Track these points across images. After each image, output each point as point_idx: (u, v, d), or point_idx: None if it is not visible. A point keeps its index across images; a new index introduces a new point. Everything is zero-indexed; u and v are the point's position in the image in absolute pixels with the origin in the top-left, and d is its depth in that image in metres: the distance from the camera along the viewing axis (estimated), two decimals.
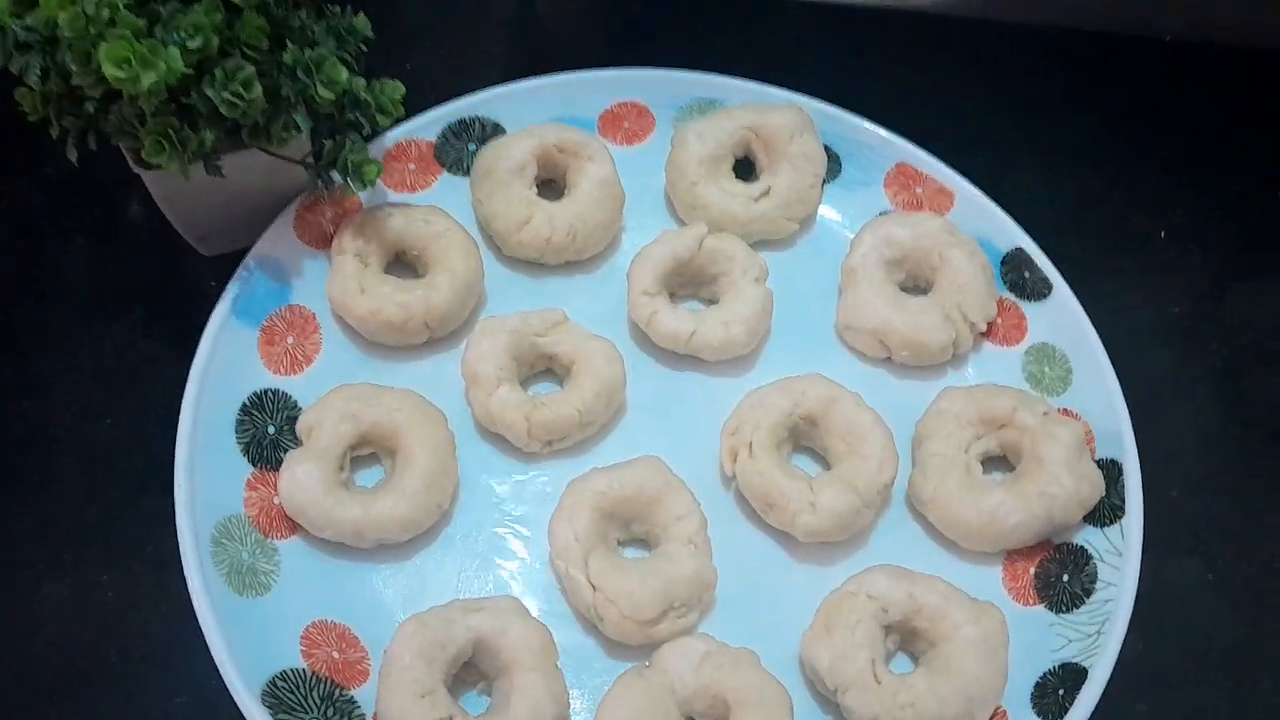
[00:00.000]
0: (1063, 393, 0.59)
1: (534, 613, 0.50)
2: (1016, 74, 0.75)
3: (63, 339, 0.60)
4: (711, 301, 0.62)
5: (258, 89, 0.50)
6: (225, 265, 0.61)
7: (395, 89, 0.56)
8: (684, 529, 0.52)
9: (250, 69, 0.50)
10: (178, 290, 0.63)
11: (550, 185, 0.65)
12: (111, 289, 0.62)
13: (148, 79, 0.46)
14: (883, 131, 0.67)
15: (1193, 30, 0.65)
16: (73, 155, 0.53)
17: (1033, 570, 0.54)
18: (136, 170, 0.55)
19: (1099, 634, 0.50)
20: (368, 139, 0.59)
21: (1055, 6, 0.65)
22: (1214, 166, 0.73)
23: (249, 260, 0.58)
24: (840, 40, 0.72)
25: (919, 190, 0.66)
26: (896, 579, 0.51)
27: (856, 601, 0.50)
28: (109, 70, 0.45)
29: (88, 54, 0.46)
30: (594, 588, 0.50)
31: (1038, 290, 0.62)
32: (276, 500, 0.53)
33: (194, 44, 0.48)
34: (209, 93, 0.49)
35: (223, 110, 0.50)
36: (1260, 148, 0.74)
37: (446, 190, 0.64)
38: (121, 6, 0.46)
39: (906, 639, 0.51)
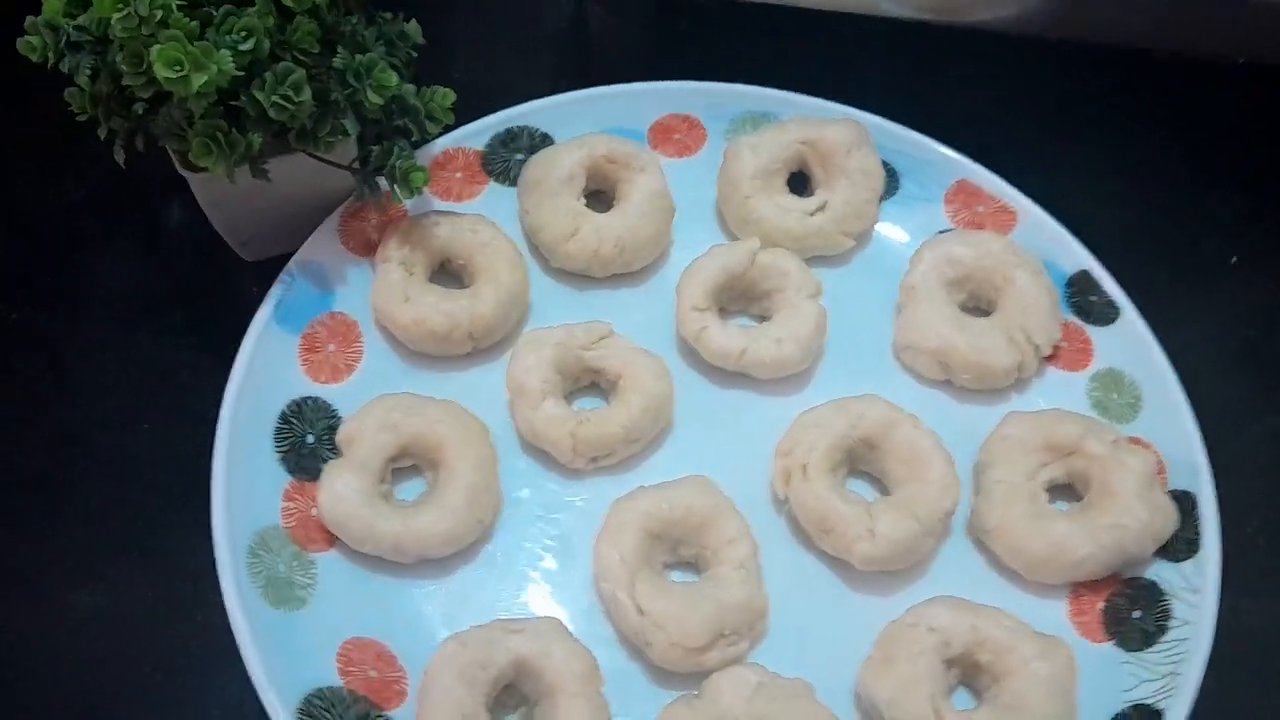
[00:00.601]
0: (1131, 420, 0.56)
1: (577, 635, 0.48)
2: (1079, 93, 0.73)
3: (100, 344, 0.60)
4: (763, 318, 0.60)
5: (307, 92, 0.49)
6: (267, 271, 0.60)
7: (446, 96, 0.55)
8: (735, 553, 0.50)
9: (300, 72, 0.49)
10: (218, 295, 0.62)
11: (599, 196, 0.63)
12: (151, 293, 0.62)
13: (198, 81, 0.45)
14: (943, 148, 0.65)
15: (1267, 52, 0.62)
16: (120, 157, 0.52)
17: (1100, 605, 0.51)
18: (183, 173, 0.54)
19: (1174, 674, 0.48)
20: (415, 146, 0.58)
21: (1118, 27, 0.63)
22: None
23: (292, 266, 0.57)
24: (893, 55, 0.71)
25: (980, 209, 0.64)
26: (959, 611, 0.48)
27: (918, 633, 0.48)
28: (161, 71, 0.44)
29: (139, 55, 0.46)
30: (641, 612, 0.48)
31: (1104, 314, 0.59)
32: (314, 512, 0.51)
33: (246, 47, 0.47)
34: (258, 96, 0.48)
35: (271, 114, 0.49)
36: None
37: (494, 200, 0.63)
38: (174, 8, 0.45)
39: (968, 673, 0.49)
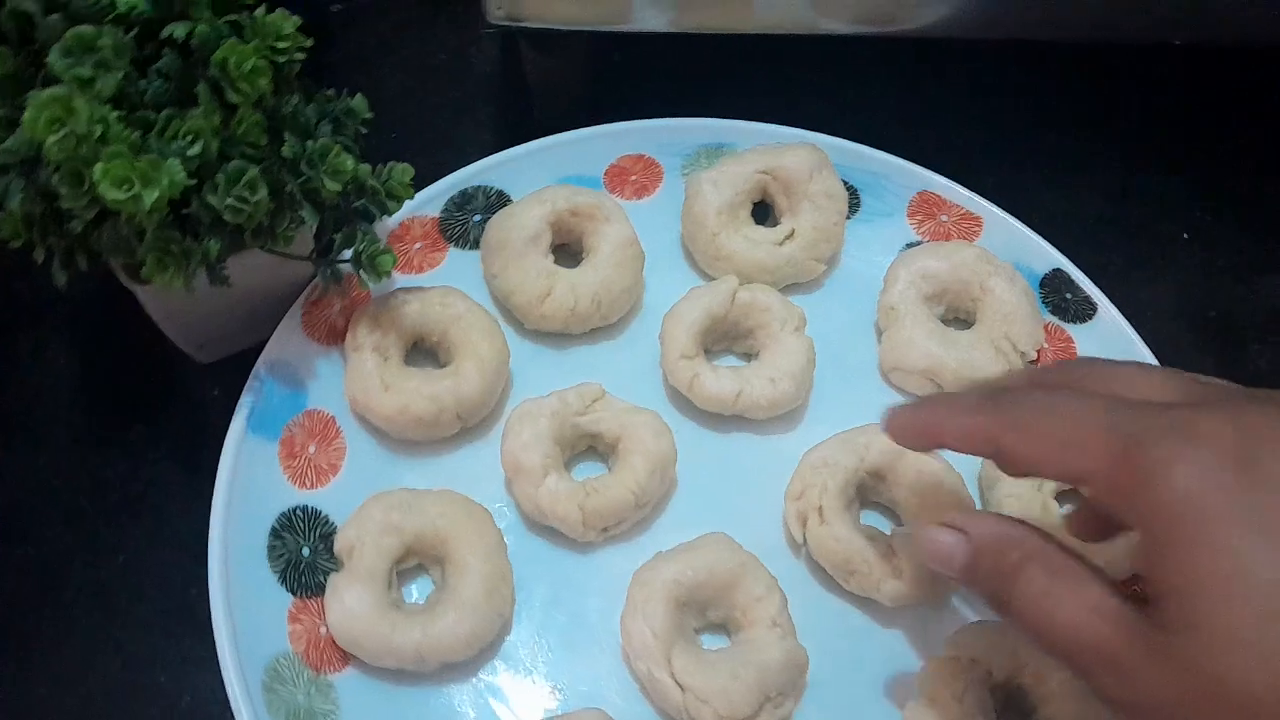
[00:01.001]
0: None
1: (616, 716, 0.47)
2: (1019, 90, 0.74)
3: (56, 475, 0.55)
4: (749, 355, 0.59)
5: (263, 189, 0.46)
6: (224, 370, 0.57)
7: (405, 171, 0.52)
8: (766, 610, 0.49)
9: (254, 170, 0.46)
10: (177, 403, 0.58)
11: (564, 249, 0.62)
12: (103, 411, 0.57)
13: (150, 197, 0.42)
14: (900, 161, 0.64)
15: (1199, 35, 0.64)
16: (60, 279, 0.48)
17: None
18: (129, 286, 0.51)
19: None
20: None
21: (1050, 23, 0.64)
22: (1225, 165, 0.72)
23: (259, 369, 0.54)
24: (836, 72, 0.70)
25: (944, 218, 0.64)
26: (997, 636, 0.48)
27: (959, 667, 0.47)
28: (109, 193, 0.41)
29: (79, 174, 0.42)
30: (682, 688, 0.46)
31: (1081, 312, 0.60)
32: (322, 630, 0.48)
33: (194, 151, 0.44)
34: (211, 200, 0.45)
35: (227, 216, 0.46)
36: (1267, 141, 0.73)
37: (456, 266, 0.61)
38: (113, 120, 0.42)
39: (1012, 696, 0.49)
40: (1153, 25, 0.64)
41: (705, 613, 0.50)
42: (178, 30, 0.44)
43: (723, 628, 0.51)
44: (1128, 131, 0.73)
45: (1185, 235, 0.69)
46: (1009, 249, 0.61)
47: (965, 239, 0.63)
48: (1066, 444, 0.37)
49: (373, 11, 0.75)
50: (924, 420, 0.44)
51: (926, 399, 0.54)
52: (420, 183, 0.61)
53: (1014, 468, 0.40)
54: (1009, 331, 0.58)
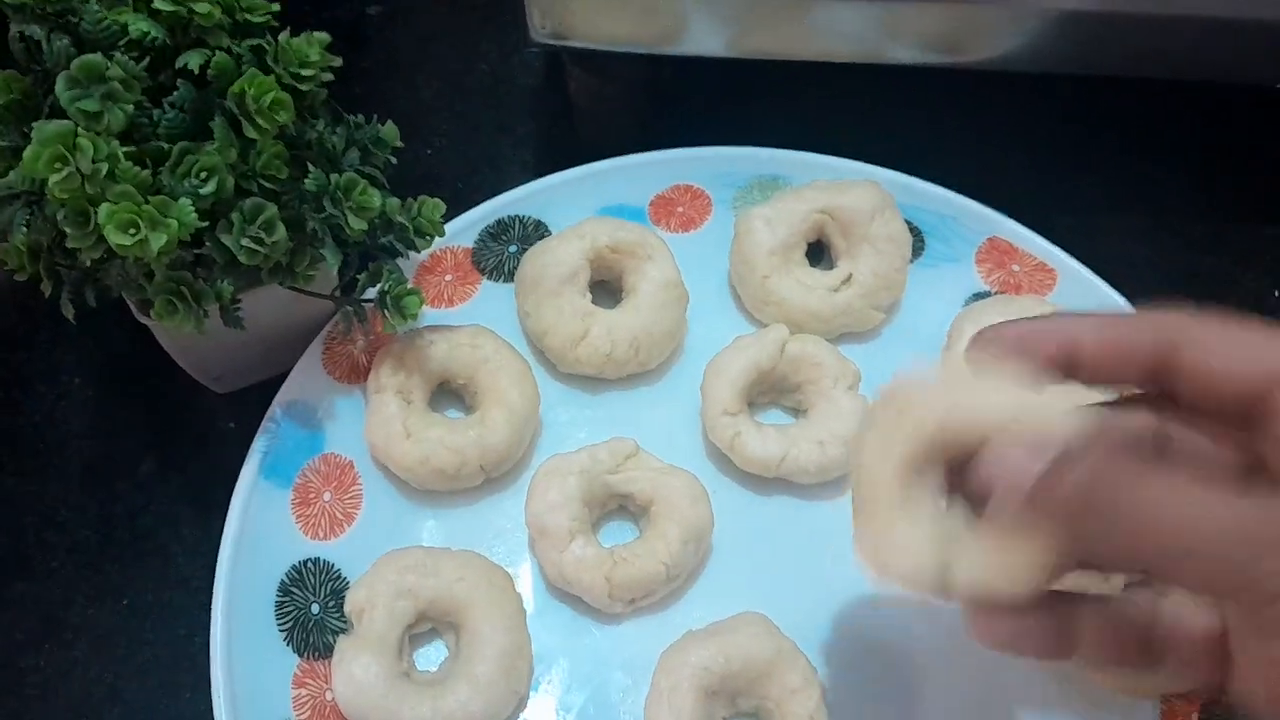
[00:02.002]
0: None
1: None
2: (1100, 129, 0.68)
3: (64, 504, 0.53)
4: (797, 410, 0.55)
5: (281, 229, 0.43)
6: (241, 402, 0.55)
7: (435, 208, 0.49)
8: (803, 706, 0.45)
9: (272, 208, 0.43)
10: (191, 435, 0.55)
11: (604, 286, 0.58)
12: (115, 441, 0.55)
13: (158, 242, 0.38)
14: (970, 202, 0.60)
15: None
16: (68, 312, 0.46)
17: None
18: (142, 320, 0.48)
19: None
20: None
21: (1139, 57, 0.59)
22: None
23: (274, 410, 0.51)
24: (905, 104, 0.65)
25: (1016, 268, 0.59)
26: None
27: None
28: (113, 238, 0.38)
29: (85, 213, 0.39)
30: None
31: None
32: (329, 696, 0.46)
33: (207, 190, 0.40)
34: (225, 240, 0.42)
35: (242, 258, 0.43)
36: None
37: (489, 299, 0.57)
38: (122, 156, 0.39)
39: None
40: (1249, 66, 0.59)
41: (736, 701, 0.47)
42: (192, 60, 0.40)
43: (754, 716, 0.47)
44: (1224, 177, 0.67)
45: (1276, 292, 0.64)
46: (1084, 307, 0.57)
47: (1037, 292, 0.58)
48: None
49: (411, 15, 0.71)
50: (1045, 329, 0.35)
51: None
52: (455, 204, 0.58)
53: (1191, 386, 0.33)
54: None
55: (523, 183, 0.60)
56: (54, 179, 0.38)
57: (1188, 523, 0.28)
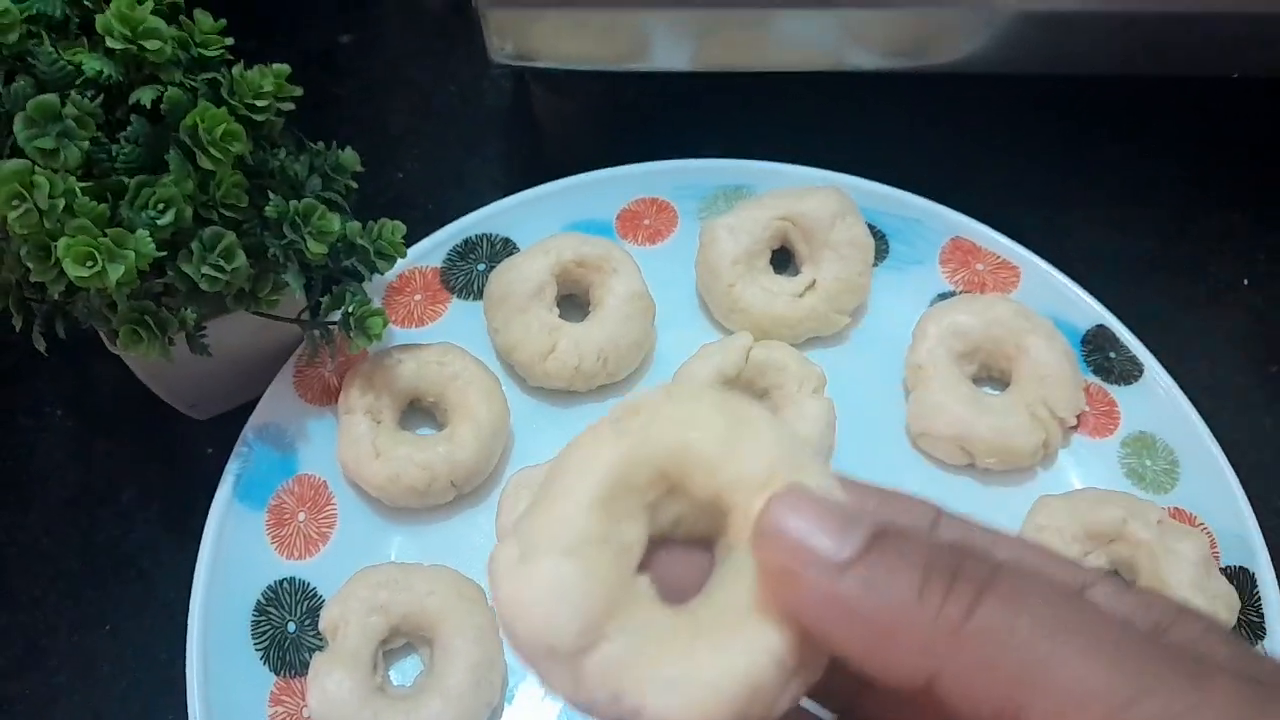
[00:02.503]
0: (1171, 489, 0.53)
1: None
2: (1061, 127, 0.69)
3: (46, 534, 0.54)
4: None
5: (241, 257, 0.44)
6: (219, 427, 0.55)
7: (395, 230, 0.50)
8: None
9: (230, 236, 0.43)
10: (169, 462, 0.56)
11: (572, 300, 0.59)
12: (95, 470, 0.56)
13: (116, 273, 0.39)
14: (931, 204, 0.60)
15: (1258, 66, 0.59)
16: (40, 344, 0.47)
17: None
18: (114, 350, 0.49)
19: None
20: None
21: (1095, 56, 0.59)
22: None
23: (246, 434, 0.52)
24: (865, 110, 0.66)
25: (980, 267, 0.59)
26: None
27: None
28: (72, 270, 0.39)
29: (46, 247, 0.40)
30: None
31: (1127, 372, 0.55)
32: (306, 713, 0.46)
33: (165, 220, 0.41)
34: (186, 269, 0.43)
35: (204, 286, 0.44)
36: None
37: (459, 318, 0.58)
38: (79, 191, 0.40)
39: None
40: (1206, 58, 0.60)
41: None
42: (145, 95, 0.41)
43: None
44: (1182, 166, 0.68)
45: (1245, 281, 0.64)
46: (1049, 303, 0.57)
47: (1002, 290, 0.59)
48: None
49: (383, 43, 0.73)
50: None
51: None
52: (425, 225, 0.59)
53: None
54: (1046, 395, 0.54)
55: (492, 201, 0.61)
56: (13, 215, 0.39)
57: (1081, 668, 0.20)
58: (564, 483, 0.24)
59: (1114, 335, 0.56)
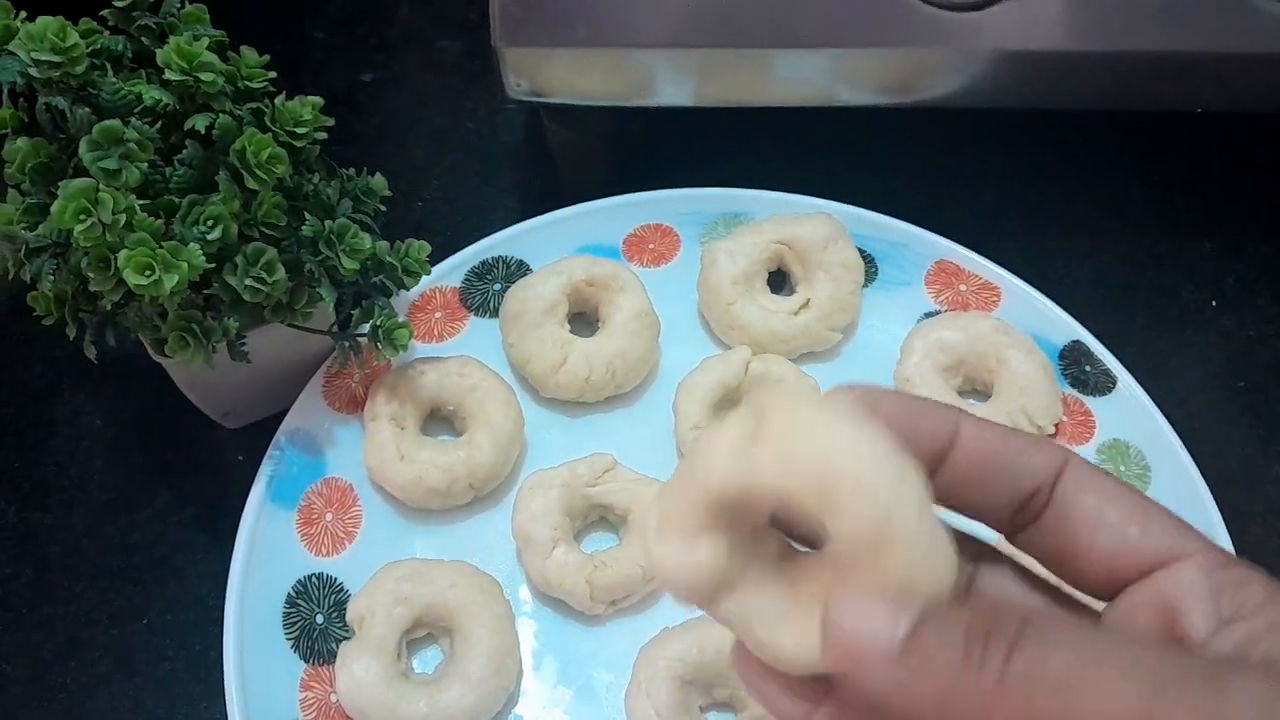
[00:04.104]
0: (1144, 491, 0.56)
1: None
2: (1040, 158, 0.74)
3: (86, 535, 0.57)
4: None
5: (280, 271, 0.48)
6: (249, 436, 0.59)
7: (421, 249, 0.54)
8: None
9: (272, 252, 0.47)
10: (203, 468, 0.60)
11: (582, 317, 0.63)
12: (133, 476, 0.59)
13: (170, 282, 0.43)
14: (917, 229, 0.65)
15: (1220, 101, 0.63)
16: (91, 353, 0.50)
17: None
18: (157, 359, 0.53)
19: None
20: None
21: (1072, 92, 0.64)
22: (1255, 230, 0.71)
23: (279, 438, 0.55)
24: (856, 141, 0.70)
25: (963, 287, 0.63)
26: None
27: None
28: (131, 278, 0.43)
29: (106, 259, 0.44)
30: None
31: (1101, 384, 0.59)
32: (333, 698, 0.49)
33: (214, 235, 0.45)
34: (231, 281, 0.47)
35: (246, 296, 0.47)
36: None
37: (476, 334, 0.62)
38: (137, 208, 0.44)
39: None
40: (1174, 94, 0.64)
41: (711, 691, 0.50)
42: (199, 122, 0.46)
43: (729, 705, 0.51)
44: (1153, 196, 0.72)
45: (1213, 302, 0.68)
46: (1028, 320, 0.61)
47: (984, 309, 0.63)
48: None
49: (403, 81, 0.77)
50: (931, 411, 0.29)
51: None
52: (445, 250, 0.63)
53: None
54: (1026, 405, 0.57)
55: (507, 227, 0.65)
56: (79, 229, 0.43)
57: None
58: (695, 478, 0.27)
59: (1089, 350, 0.60)
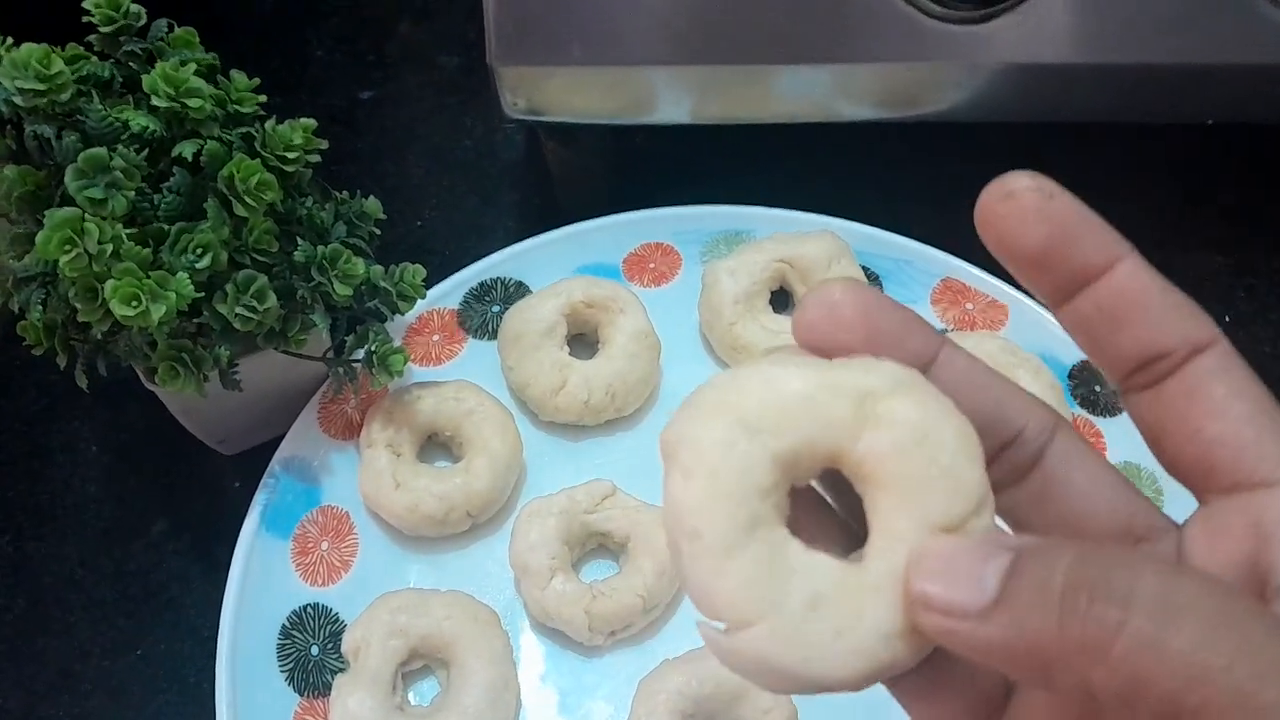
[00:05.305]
0: None
1: None
2: (1048, 172, 0.72)
3: (81, 565, 0.57)
4: None
5: (272, 298, 0.47)
6: (246, 462, 0.58)
7: (416, 273, 0.53)
8: None
9: (262, 279, 0.47)
10: (199, 495, 0.59)
11: (582, 339, 0.62)
12: (128, 504, 0.59)
13: (158, 312, 0.43)
14: (922, 246, 0.64)
15: (1234, 112, 0.62)
16: (82, 382, 0.50)
17: None
18: (149, 387, 0.52)
19: None
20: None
21: (1080, 104, 0.63)
22: (1270, 246, 0.69)
23: (274, 466, 0.54)
24: (855, 156, 0.69)
25: (969, 306, 0.62)
26: None
27: None
28: (118, 309, 0.42)
29: (93, 289, 0.43)
30: None
31: (1111, 405, 0.58)
32: None
33: (202, 264, 0.45)
34: (221, 309, 0.46)
35: (237, 325, 0.47)
36: None
37: (474, 356, 0.61)
38: (125, 237, 0.43)
39: None
40: (1183, 107, 0.63)
41: None
42: (187, 148, 0.45)
43: None
44: (1165, 211, 0.71)
45: (1227, 318, 0.67)
46: (1036, 339, 0.60)
47: (990, 328, 0.61)
48: None
49: (402, 99, 0.77)
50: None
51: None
52: (443, 270, 0.62)
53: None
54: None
55: (506, 247, 0.64)
56: (64, 259, 0.42)
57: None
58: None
59: (1098, 371, 0.59)
